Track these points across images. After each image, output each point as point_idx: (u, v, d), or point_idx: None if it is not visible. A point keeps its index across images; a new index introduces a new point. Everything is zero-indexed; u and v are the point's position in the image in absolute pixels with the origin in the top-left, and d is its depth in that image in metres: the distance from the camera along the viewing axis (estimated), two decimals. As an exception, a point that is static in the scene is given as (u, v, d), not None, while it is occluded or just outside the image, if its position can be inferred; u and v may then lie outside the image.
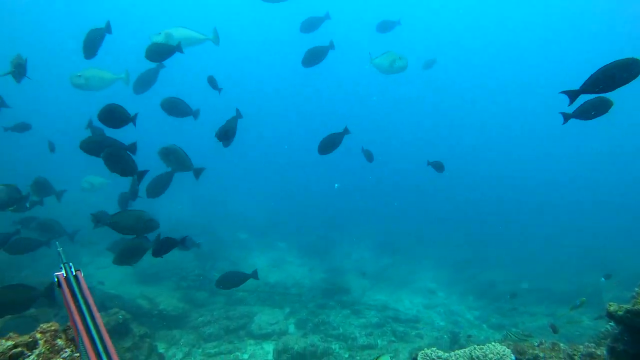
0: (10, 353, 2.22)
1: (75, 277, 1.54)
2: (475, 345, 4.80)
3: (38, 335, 2.39)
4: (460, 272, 17.36)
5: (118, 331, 7.43)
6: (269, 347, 8.82)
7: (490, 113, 41.30)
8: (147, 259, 11.90)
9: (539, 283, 14.67)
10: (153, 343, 7.97)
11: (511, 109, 40.94)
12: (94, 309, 1.41)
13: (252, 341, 9.16)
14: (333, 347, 9.07)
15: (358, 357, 8.80)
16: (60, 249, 1.78)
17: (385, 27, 12.53)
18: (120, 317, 7.58)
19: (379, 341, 9.70)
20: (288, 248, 18.31)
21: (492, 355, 4.45)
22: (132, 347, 7.40)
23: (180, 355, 8.40)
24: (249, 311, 10.31)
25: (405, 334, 10.28)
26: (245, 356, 8.45)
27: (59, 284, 1.53)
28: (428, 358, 4.73)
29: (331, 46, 8.52)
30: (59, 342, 2.39)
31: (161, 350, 8.20)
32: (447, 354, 4.74)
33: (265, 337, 9.26)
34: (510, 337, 6.51)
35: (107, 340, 1.24)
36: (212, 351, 8.64)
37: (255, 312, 10.36)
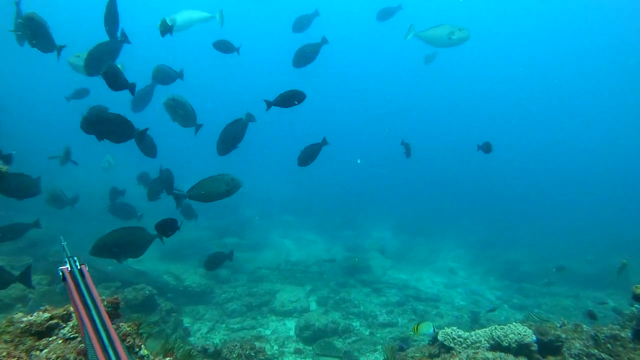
0: (47, 324, 2.33)
1: (80, 271, 1.52)
2: (496, 325, 4.81)
3: (71, 309, 2.49)
4: (481, 252, 17.27)
5: (146, 305, 7.69)
6: (291, 323, 9.00)
7: (511, 99, 40.46)
8: (171, 238, 12.19)
9: (562, 264, 14.47)
10: (179, 318, 8.23)
11: (536, 94, 39.92)
12: (100, 303, 1.40)
13: (274, 317, 9.35)
14: (354, 324, 9.20)
15: (379, 335, 8.90)
16: (64, 243, 1.76)
17: (385, 14, 12.05)
18: (147, 292, 7.82)
19: (399, 319, 9.79)
20: (309, 227, 18.47)
21: (512, 335, 4.45)
22: (159, 321, 7.65)
23: (204, 329, 8.65)
24: (271, 288, 10.51)
25: (425, 313, 10.34)
26: (268, 332, 8.64)
27: (64, 278, 1.51)
28: (448, 337, 4.76)
29: (324, 41, 8.15)
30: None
31: (187, 325, 8.46)
32: (467, 333, 4.76)
33: (287, 313, 9.44)
34: (532, 317, 6.48)
35: (113, 335, 1.24)
36: (236, 326, 8.86)
37: (277, 289, 10.55)
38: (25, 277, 4.93)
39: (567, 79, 38.07)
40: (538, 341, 4.27)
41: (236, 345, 5.66)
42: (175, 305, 8.42)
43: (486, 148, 7.70)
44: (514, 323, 4.64)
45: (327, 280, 11.62)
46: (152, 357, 2.62)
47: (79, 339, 2.33)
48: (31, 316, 2.40)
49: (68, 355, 2.04)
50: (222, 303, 9.65)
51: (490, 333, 4.53)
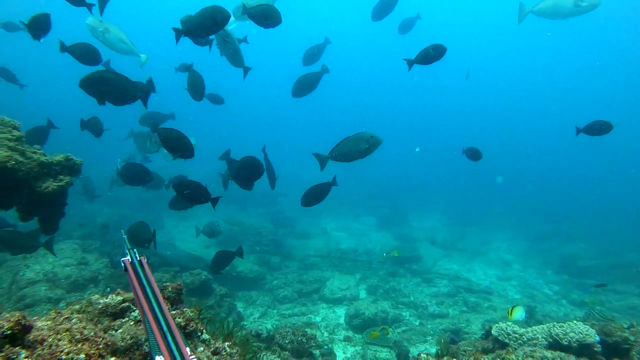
0: (120, 307, 2.52)
1: (140, 262, 1.65)
2: (555, 323, 4.63)
3: (140, 295, 2.68)
4: (538, 244, 16.57)
5: (202, 290, 8.05)
6: (341, 311, 9.11)
7: (566, 90, 38.43)
8: (223, 225, 12.58)
9: (626, 259, 13.59)
10: (233, 302, 8.55)
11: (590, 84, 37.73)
12: (157, 292, 1.53)
13: (324, 305, 9.50)
14: (404, 314, 9.17)
15: (429, 325, 8.81)
16: (124, 236, 1.90)
17: (406, 26, 11.80)
18: (203, 277, 8.17)
19: (450, 310, 9.65)
20: (359, 216, 18.49)
21: (573, 334, 4.27)
22: (214, 305, 7.99)
23: (257, 314, 8.94)
24: (322, 276, 10.67)
25: (477, 305, 10.11)
26: (318, 319, 8.80)
27: (125, 269, 1.64)
28: (503, 332, 4.64)
29: (324, 70, 7.74)
30: (161, 301, 2.66)
31: (240, 309, 8.77)
32: (523, 329, 4.62)
33: (337, 301, 9.57)
34: (594, 315, 6.16)
35: (170, 322, 1.35)
36: (287, 312, 9.08)
37: (327, 277, 10.69)
38: (49, 244, 5.47)
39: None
40: (602, 342, 4.05)
41: (288, 332, 5.82)
42: (229, 291, 8.75)
43: (472, 154, 7.23)
44: (575, 321, 4.44)
45: (376, 269, 11.63)
46: (213, 342, 2.77)
47: (148, 322, 2.51)
48: (106, 298, 2.61)
49: (140, 336, 2.19)
50: (273, 289, 9.92)
51: (549, 330, 4.37)
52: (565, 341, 4.12)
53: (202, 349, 2.61)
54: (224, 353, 2.72)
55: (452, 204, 21.18)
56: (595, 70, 37.48)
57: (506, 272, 13.75)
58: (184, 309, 2.63)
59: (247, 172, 5.55)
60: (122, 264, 1.67)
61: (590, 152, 32.32)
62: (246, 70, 6.81)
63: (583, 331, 4.24)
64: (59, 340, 1.47)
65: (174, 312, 2.58)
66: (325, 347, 7.20)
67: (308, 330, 6.16)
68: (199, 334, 2.71)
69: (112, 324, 2.48)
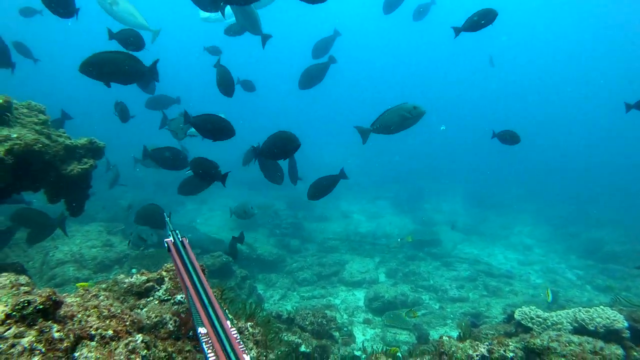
0: (145, 286, 2.57)
1: (182, 243, 1.78)
2: (580, 307, 4.54)
3: (164, 273, 2.72)
4: (561, 229, 16.26)
5: (223, 272, 8.17)
6: (360, 294, 9.15)
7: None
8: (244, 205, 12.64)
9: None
10: (253, 284, 8.67)
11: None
12: (199, 269, 1.64)
13: (343, 287, 9.55)
14: (423, 297, 9.16)
15: (449, 309, 8.79)
16: (167, 219, 2.04)
17: (421, 12, 11.33)
18: (224, 259, 8.28)
19: (470, 294, 9.59)
20: (378, 199, 18.42)
21: (600, 319, 4.18)
22: (235, 287, 8.11)
23: (277, 296, 9.05)
24: (341, 259, 10.71)
25: (498, 289, 10.02)
26: (337, 301, 8.86)
27: (169, 249, 1.76)
28: (526, 316, 4.58)
29: (332, 60, 7.45)
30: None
31: (260, 291, 8.89)
32: (547, 314, 4.55)
33: (356, 284, 9.61)
34: (621, 301, 6.01)
35: (212, 298, 1.46)
36: (306, 295, 9.17)
37: (346, 260, 10.73)
38: (61, 223, 5.65)
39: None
40: (630, 328, 3.96)
41: (308, 313, 5.87)
42: (249, 273, 8.86)
43: (509, 138, 6.35)
44: (601, 306, 4.35)
45: (395, 253, 11.60)
46: (236, 322, 2.80)
47: (172, 301, 2.54)
48: (131, 278, 2.65)
49: (165, 315, 2.23)
50: (293, 272, 10.01)
51: (574, 315, 4.29)
52: (592, 326, 4.04)
53: (225, 328, 2.65)
54: (247, 333, 2.75)
55: (473, 187, 20.91)
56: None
57: (528, 256, 13.55)
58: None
59: (281, 146, 5.11)
60: (166, 244, 1.81)
61: (619, 135, 31.40)
62: (265, 38, 6.54)
63: (611, 316, 4.14)
64: (88, 316, 1.50)
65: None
66: (345, 329, 7.26)
67: (328, 312, 6.20)
68: (222, 313, 2.74)
69: (137, 302, 2.53)
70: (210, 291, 1.52)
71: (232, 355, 1.25)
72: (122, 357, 1.42)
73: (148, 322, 2.16)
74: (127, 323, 1.58)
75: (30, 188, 4.30)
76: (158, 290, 2.64)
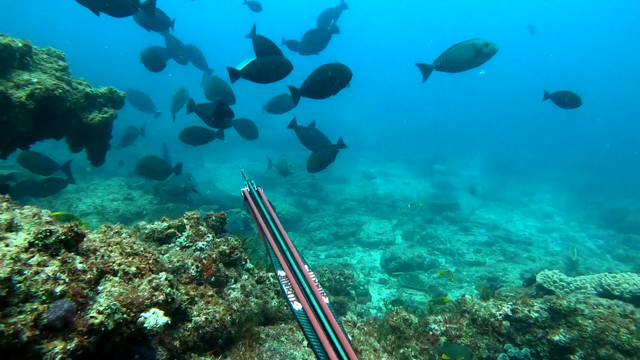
0: (166, 232, 2.54)
1: (257, 192, 1.98)
2: (606, 272, 4.44)
3: (185, 221, 2.69)
4: (582, 197, 15.91)
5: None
6: (377, 254, 9.16)
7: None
8: (263, 166, 12.65)
9: None
10: (271, 241, 8.71)
11: None
12: (275, 216, 1.80)
13: (360, 248, 9.58)
14: (440, 260, 9.14)
15: (465, 272, 8.76)
16: (242, 170, 2.24)
17: None
18: (242, 215, 8.33)
19: (487, 259, 9.52)
20: (396, 161, 18.23)
21: (627, 285, 4.06)
22: (252, 243, 8.19)
23: (294, 254, 9.10)
24: (358, 220, 10.69)
25: (515, 255, 9.92)
26: (354, 261, 8.90)
27: (245, 198, 1.96)
28: (548, 279, 4.49)
29: (343, 6, 6.78)
30: (202, 228, 2.66)
31: (278, 249, 8.95)
32: (570, 278, 4.46)
33: (373, 245, 9.61)
34: (645, 269, 5.88)
35: (288, 242, 1.61)
36: (323, 254, 9.22)
37: (363, 221, 10.71)
38: (66, 168, 5.67)
39: None
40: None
41: (326, 270, 5.90)
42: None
43: (569, 101, 5.48)
44: (629, 272, 4.23)
45: (413, 215, 11.53)
46: (257, 271, 2.78)
47: (193, 247, 2.52)
48: (153, 224, 2.63)
49: (187, 261, 2.21)
50: (310, 231, 10.05)
51: (599, 280, 4.18)
52: (618, 292, 3.94)
53: (246, 276, 2.63)
54: (268, 282, 2.73)
55: (494, 153, 20.49)
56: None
57: (547, 224, 13.36)
58: (228, 237, 2.63)
59: (330, 79, 4.10)
60: (242, 194, 2.00)
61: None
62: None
63: (638, 282, 4.03)
64: (111, 252, 1.46)
65: (218, 239, 2.58)
66: (361, 288, 7.31)
67: (345, 270, 6.21)
68: (243, 262, 2.72)
69: (159, 248, 2.51)
70: (287, 237, 1.64)
71: (311, 296, 1.36)
72: (145, 293, 1.39)
73: (170, 266, 2.14)
74: (150, 261, 1.55)
75: (52, 135, 4.29)
76: (179, 237, 2.61)
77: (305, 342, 2.22)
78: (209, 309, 1.96)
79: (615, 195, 15.63)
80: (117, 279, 1.39)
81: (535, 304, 3.13)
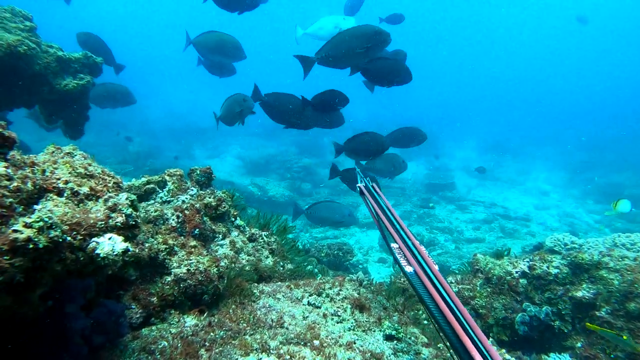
0: (145, 188, 2.23)
1: (372, 187, 2.23)
2: (620, 233, 4.21)
3: (166, 177, 2.38)
4: (578, 174, 15.76)
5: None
6: (374, 234, 8.91)
7: None
8: (256, 152, 12.35)
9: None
10: (265, 223, 8.43)
11: None
12: (390, 206, 1.98)
13: (357, 229, 9.31)
14: (439, 238, 8.91)
15: (464, 249, 8.55)
16: (357, 170, 2.74)
17: None
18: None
19: (486, 236, 9.32)
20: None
21: (641, 244, 3.84)
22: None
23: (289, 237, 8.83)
24: (354, 201, 10.42)
25: (514, 231, 9.73)
26: (352, 241, 8.64)
27: (362, 192, 2.25)
28: (559, 242, 4.23)
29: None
30: (187, 183, 2.37)
31: (272, 231, 8.67)
32: (582, 240, 4.21)
33: (370, 225, 9.35)
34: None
35: (403, 225, 1.82)
36: (319, 236, 8.94)
37: (360, 201, 10.44)
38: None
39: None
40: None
41: (324, 246, 5.63)
42: (261, 213, 8.61)
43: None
44: (642, 231, 3.99)
45: (409, 196, 11.30)
46: (248, 229, 2.49)
47: (175, 202, 2.22)
48: (130, 181, 2.33)
49: (166, 211, 1.91)
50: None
51: (613, 240, 3.95)
52: (634, 251, 3.70)
53: (236, 233, 2.33)
54: (261, 240, 2.44)
55: (487, 132, 20.33)
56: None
57: (543, 201, 13.19)
58: (215, 190, 2.33)
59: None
60: (358, 189, 2.29)
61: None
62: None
63: (654, 241, 3.80)
64: (56, 168, 1.16)
65: (203, 192, 2.28)
66: (360, 266, 7.05)
67: (344, 246, 5.94)
68: (233, 219, 2.42)
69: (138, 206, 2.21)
70: (401, 220, 1.85)
71: (422, 262, 1.55)
72: (99, 214, 1.09)
73: (145, 216, 1.84)
74: (110, 185, 1.25)
75: (23, 104, 3.94)
76: (160, 192, 2.31)
77: (304, 300, 1.94)
78: (191, 260, 1.66)
79: (610, 171, 15.53)
80: (62, 199, 1.09)
81: (554, 259, 2.88)
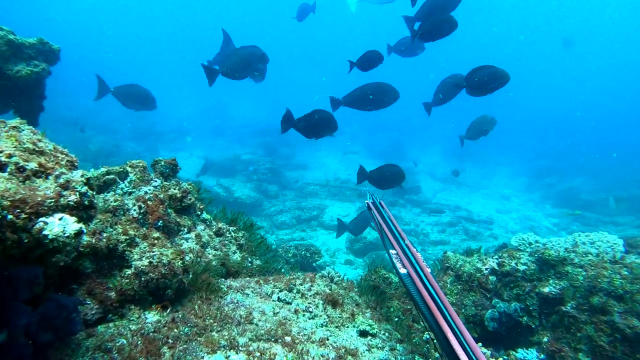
0: (104, 179, 2.08)
1: (380, 203, 2.44)
2: (580, 233, 4.33)
3: (128, 169, 2.24)
4: (537, 179, 16.36)
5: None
6: (341, 236, 8.88)
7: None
8: (221, 154, 12.11)
9: (631, 193, 13.39)
10: (231, 226, 8.24)
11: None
12: (394, 221, 2.17)
13: (323, 231, 9.26)
14: (405, 240, 8.97)
15: (430, 251, 8.65)
16: (367, 189, 2.85)
17: None
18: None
19: (451, 238, 9.47)
20: (357, 148, 18.05)
21: (600, 242, 3.94)
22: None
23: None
24: (321, 204, 10.37)
25: (478, 234, 9.95)
26: (318, 243, 8.55)
27: (369, 208, 2.45)
28: (524, 242, 4.30)
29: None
30: (151, 175, 2.23)
31: (238, 233, 8.48)
32: (545, 239, 4.31)
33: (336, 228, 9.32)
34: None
35: (403, 235, 2.05)
36: (285, 237, 8.83)
37: (326, 204, 10.40)
38: None
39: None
40: (627, 253, 3.74)
41: (291, 247, 5.54)
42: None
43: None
44: (603, 232, 4.12)
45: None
46: (215, 223, 2.37)
47: (137, 192, 2.08)
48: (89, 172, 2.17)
49: (127, 201, 1.78)
50: (271, 215, 9.62)
51: (574, 239, 4.05)
52: (594, 250, 3.81)
53: (202, 227, 2.22)
54: (228, 235, 2.33)
55: (450, 140, 20.78)
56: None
57: (505, 205, 13.59)
58: (180, 182, 2.20)
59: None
60: (366, 204, 2.52)
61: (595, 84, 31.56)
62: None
63: (610, 240, 3.91)
64: (-2, 141, 1.02)
65: (167, 183, 2.15)
66: (327, 267, 6.99)
67: (311, 247, 5.86)
68: (199, 212, 2.30)
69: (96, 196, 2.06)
70: (403, 233, 2.07)
71: (417, 267, 1.73)
72: (49, 192, 0.96)
73: (104, 205, 1.70)
74: (63, 163, 1.12)
75: (-32, 92, 3.66)
76: (121, 184, 2.16)
77: (274, 296, 1.84)
78: (154, 252, 1.54)
79: (567, 177, 16.19)
80: (5, 174, 0.96)
81: (522, 256, 2.91)
